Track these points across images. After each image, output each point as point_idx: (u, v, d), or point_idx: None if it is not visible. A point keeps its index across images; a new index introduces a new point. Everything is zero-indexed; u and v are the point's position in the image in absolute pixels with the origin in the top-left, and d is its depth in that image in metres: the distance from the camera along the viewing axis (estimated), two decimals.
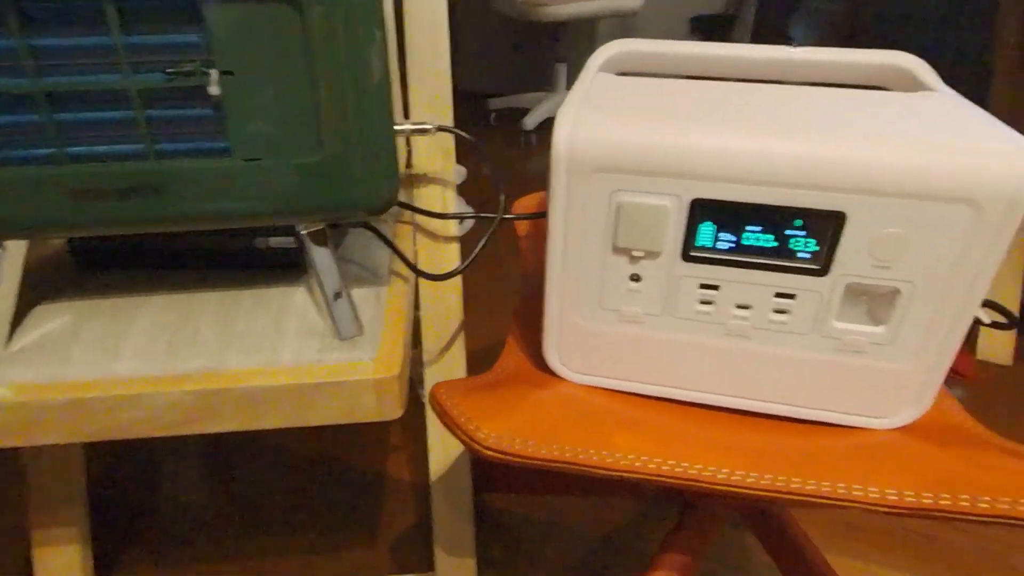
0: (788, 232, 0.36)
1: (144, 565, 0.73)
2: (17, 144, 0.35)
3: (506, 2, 1.88)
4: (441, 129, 0.54)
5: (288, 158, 0.37)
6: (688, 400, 0.43)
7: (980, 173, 0.32)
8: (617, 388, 0.44)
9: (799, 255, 0.37)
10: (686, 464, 0.37)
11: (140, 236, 0.47)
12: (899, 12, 2.20)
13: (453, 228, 0.61)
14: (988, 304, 0.46)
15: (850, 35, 2.40)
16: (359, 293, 0.46)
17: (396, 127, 0.48)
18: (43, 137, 0.35)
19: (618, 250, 0.39)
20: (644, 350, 0.42)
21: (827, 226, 0.35)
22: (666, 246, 0.38)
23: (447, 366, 0.60)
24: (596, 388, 0.44)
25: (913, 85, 0.44)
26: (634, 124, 0.36)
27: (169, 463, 0.88)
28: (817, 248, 0.36)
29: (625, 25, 2.76)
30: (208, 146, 0.36)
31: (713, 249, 0.38)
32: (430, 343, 0.60)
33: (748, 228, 0.37)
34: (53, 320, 0.42)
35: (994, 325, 0.46)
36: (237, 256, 0.47)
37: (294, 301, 0.44)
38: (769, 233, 0.36)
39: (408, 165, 0.54)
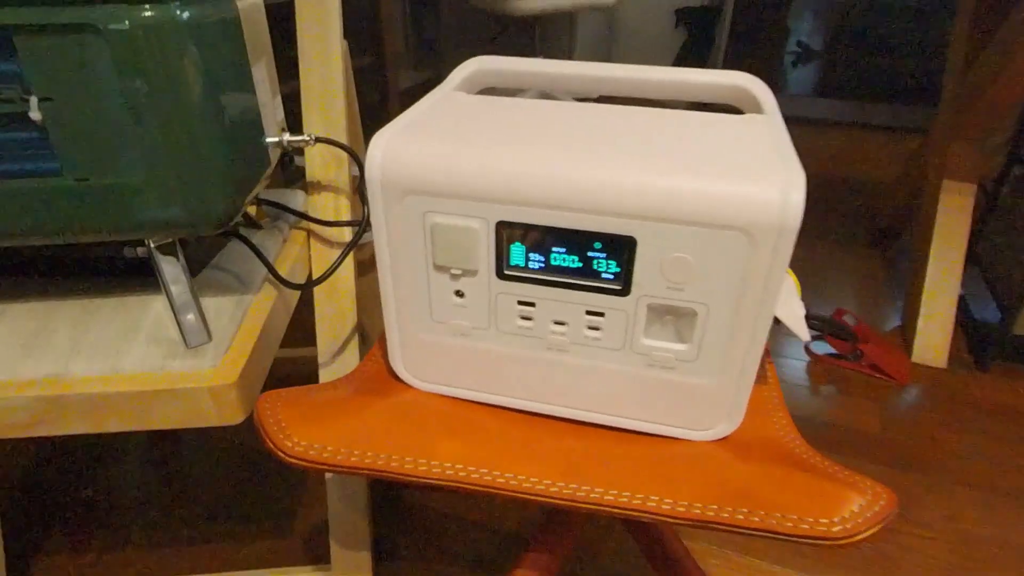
0: (591, 254, 0.37)
1: (63, 551, 0.76)
2: None
3: None
4: (320, 140, 0.56)
5: (115, 177, 0.39)
6: (521, 408, 0.45)
7: (750, 203, 0.33)
8: (459, 396, 0.46)
9: (603, 276, 0.38)
10: (496, 473, 0.39)
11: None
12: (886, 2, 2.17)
13: (347, 235, 0.62)
14: (833, 322, 0.47)
15: (840, 25, 2.38)
16: (220, 301, 0.48)
17: (270, 139, 0.50)
18: None
19: (438, 268, 0.40)
20: (476, 361, 0.44)
21: (622, 249, 0.37)
22: (481, 265, 0.39)
23: (340, 368, 0.62)
24: (441, 395, 0.46)
25: (753, 105, 0.45)
26: (442, 148, 0.37)
27: (107, 458, 0.91)
28: (618, 269, 0.37)
29: (608, 19, 2.74)
30: (38, 167, 0.38)
31: (525, 268, 0.39)
32: (324, 346, 0.62)
33: (554, 249, 0.38)
34: None
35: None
36: (100, 264, 0.49)
37: (152, 309, 0.46)
38: (574, 255, 0.38)
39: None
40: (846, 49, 2.31)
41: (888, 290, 1.29)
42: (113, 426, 0.42)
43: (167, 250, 0.44)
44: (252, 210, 0.62)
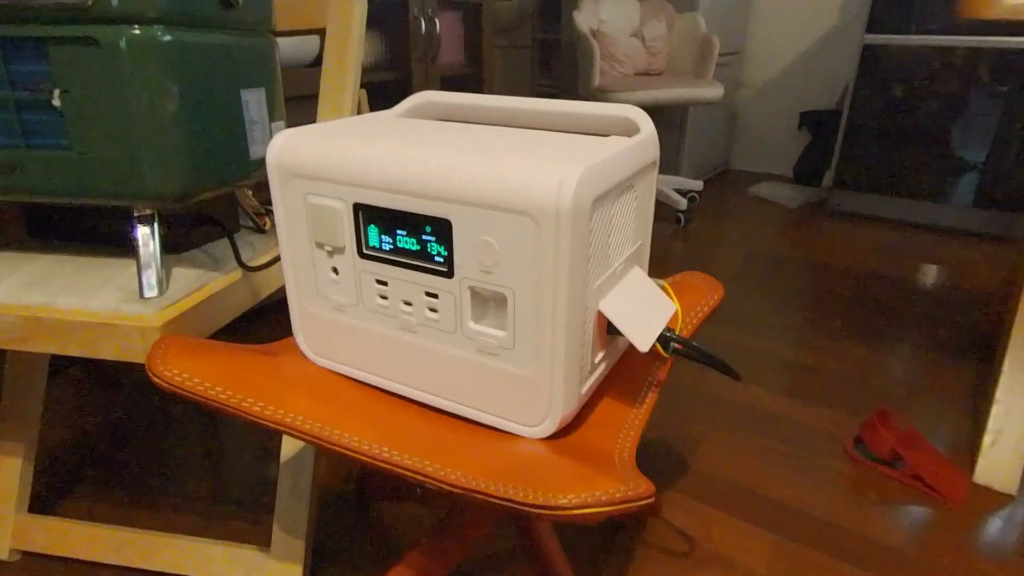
0: (424, 237, 0.42)
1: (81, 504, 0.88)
2: None
3: (583, 86, 2.02)
4: None
5: (108, 153, 0.51)
6: (386, 389, 0.49)
7: (530, 188, 0.37)
8: (339, 371, 0.51)
9: (435, 258, 0.43)
10: (327, 428, 0.43)
11: (69, 218, 0.64)
12: None
13: None
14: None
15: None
16: (188, 272, 0.58)
17: (257, 152, 0.61)
18: None
19: (318, 245, 0.47)
20: (350, 336, 0.49)
21: (444, 232, 0.41)
22: (347, 243, 0.46)
23: None
24: (324, 369, 0.52)
25: (633, 132, 0.49)
26: (322, 142, 0.45)
27: (119, 432, 1.05)
28: (445, 253, 0.42)
29: (728, 116, 2.77)
30: (55, 142, 0.52)
31: (379, 249, 0.45)
32: None
33: (398, 232, 0.43)
34: None
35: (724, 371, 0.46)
36: (114, 235, 0.62)
37: (134, 269, 0.58)
38: (412, 237, 0.43)
39: None
40: (1006, 160, 2.12)
41: (971, 407, 1.13)
42: (72, 349, 0.53)
43: (145, 220, 0.55)
44: (267, 222, 0.74)
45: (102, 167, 0.51)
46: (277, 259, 0.64)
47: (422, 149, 0.42)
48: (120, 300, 0.53)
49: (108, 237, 0.64)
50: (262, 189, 0.75)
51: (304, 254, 0.48)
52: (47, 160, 0.52)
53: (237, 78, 0.58)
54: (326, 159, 0.44)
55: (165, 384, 0.44)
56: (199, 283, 0.58)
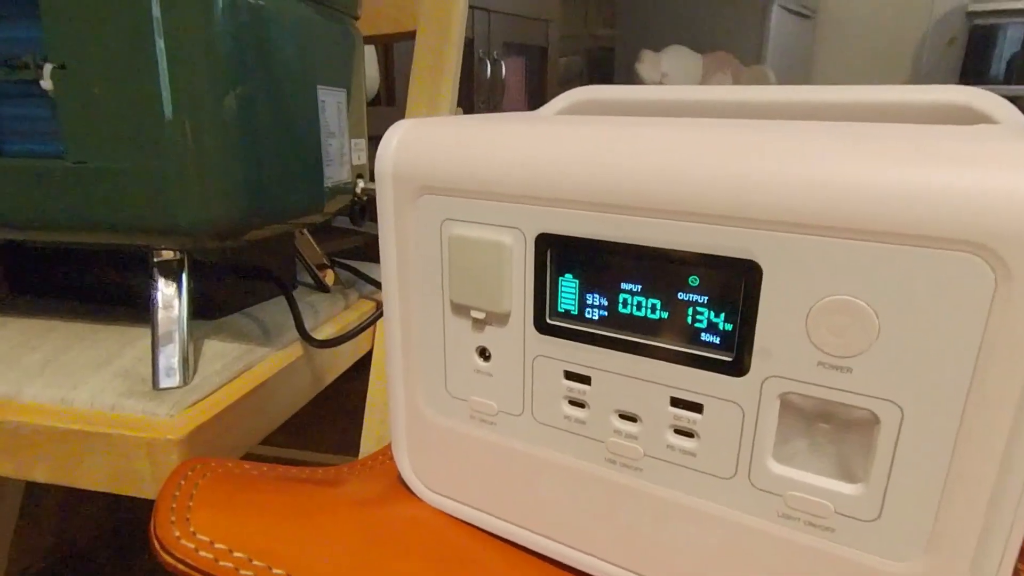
0: (683, 295, 0.22)
1: None
2: None
3: None
4: None
5: (114, 162, 0.33)
6: (563, 559, 0.28)
7: (995, 200, 0.17)
8: (475, 523, 0.30)
9: (702, 336, 0.22)
10: None
11: (60, 266, 0.46)
12: None
13: None
14: None
15: None
16: (226, 347, 0.39)
17: (333, 177, 0.43)
18: None
19: (457, 309, 0.27)
20: (501, 468, 0.28)
21: (736, 286, 0.21)
22: (514, 306, 0.26)
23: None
24: (451, 519, 0.31)
25: (975, 121, 0.29)
26: (470, 131, 0.26)
27: None
28: (729, 326, 0.22)
29: None
30: (42, 148, 0.34)
31: (579, 318, 0.25)
32: (369, 443, 0.50)
33: (624, 287, 0.23)
34: None
35: None
36: (119, 291, 0.43)
37: (146, 341, 0.38)
38: (655, 296, 0.23)
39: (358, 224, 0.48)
40: None
41: None
42: (40, 475, 0.33)
43: (168, 269, 0.36)
44: (330, 276, 0.55)
45: (110, 184, 0.33)
46: (358, 330, 0.44)
47: (684, 137, 0.22)
48: (120, 392, 0.34)
49: (116, 292, 0.45)
50: (326, 234, 0.57)
51: (428, 324, 0.29)
52: (27, 173, 0.34)
53: (314, 70, 0.40)
54: (486, 160, 0.25)
55: (182, 565, 0.24)
56: (242, 365, 0.38)
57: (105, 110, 0.32)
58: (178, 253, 0.36)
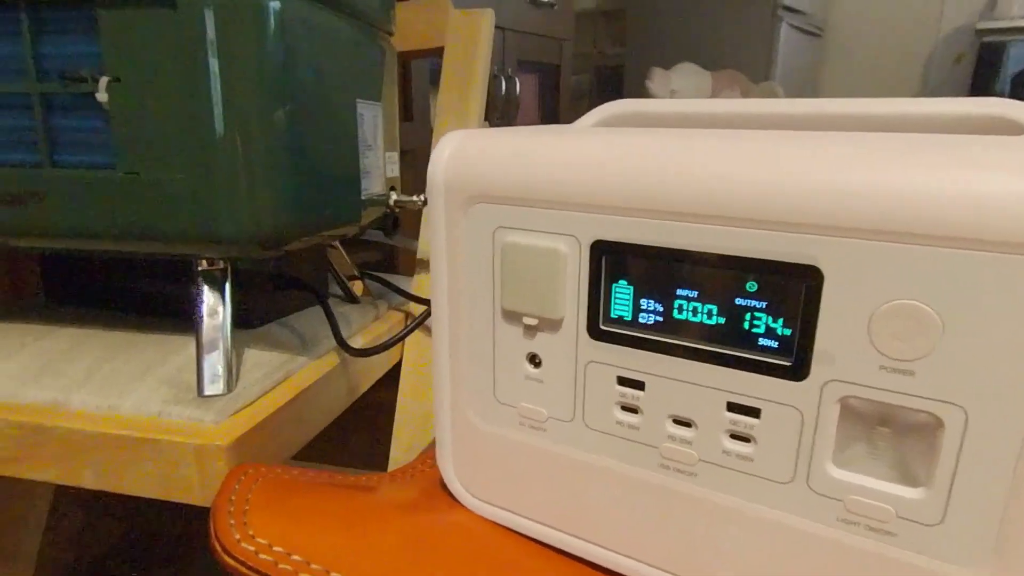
0: (740, 301, 0.23)
1: None
2: None
3: None
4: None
5: (165, 173, 0.33)
6: (612, 566, 0.28)
7: None
8: (521, 530, 0.30)
9: (760, 342, 0.23)
10: None
11: (99, 275, 0.47)
12: None
13: None
14: None
15: None
16: (266, 356, 0.39)
17: (368, 189, 0.44)
18: None
19: (508, 315, 0.28)
20: (551, 475, 0.29)
21: (795, 291, 0.21)
22: (567, 313, 0.26)
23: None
24: (498, 527, 0.31)
25: (1012, 131, 0.29)
26: (530, 143, 0.27)
27: None
28: (787, 331, 0.22)
29: None
30: (93, 159, 0.35)
31: (633, 324, 0.25)
32: (399, 454, 0.50)
33: (680, 293, 0.24)
34: None
35: None
36: (160, 302, 0.44)
37: (188, 350, 0.39)
38: (711, 302, 0.23)
39: (389, 235, 0.48)
40: None
41: None
42: (87, 481, 0.33)
43: (212, 279, 0.37)
44: (358, 287, 0.55)
45: (159, 195, 0.34)
46: (396, 340, 0.45)
47: (739, 145, 0.23)
48: (166, 399, 0.34)
49: (153, 302, 0.45)
50: (352, 246, 0.57)
51: (477, 332, 0.29)
52: (80, 184, 0.34)
53: (354, 85, 0.41)
54: (541, 170, 0.26)
55: (244, 567, 0.24)
56: (282, 373, 0.38)
57: (157, 123, 0.33)
58: (221, 263, 0.37)
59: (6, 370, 0.37)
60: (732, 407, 0.23)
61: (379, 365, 0.49)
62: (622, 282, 0.25)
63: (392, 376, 0.53)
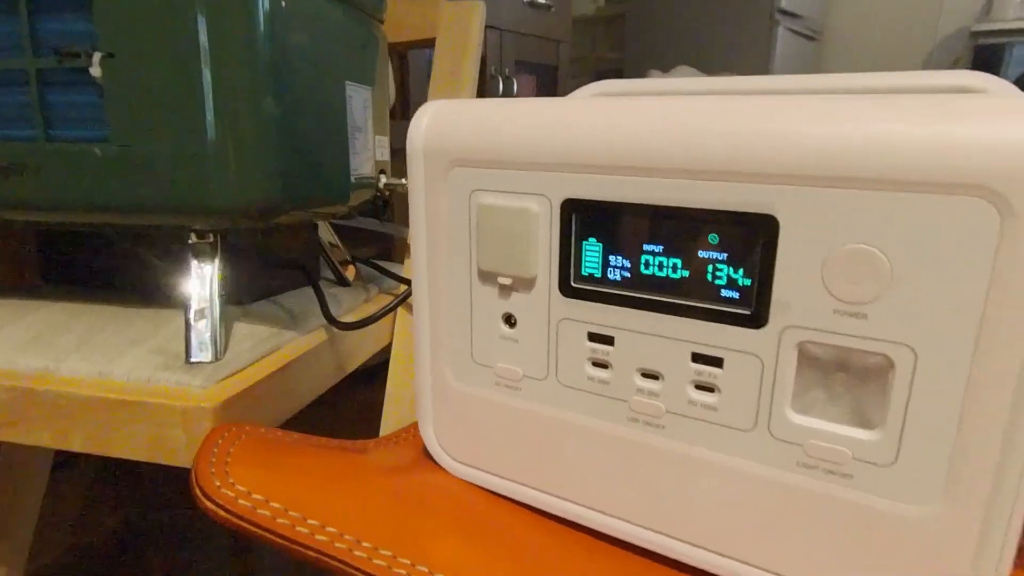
0: (703, 253, 0.24)
1: None
2: None
3: None
4: None
5: (158, 145, 0.34)
6: (586, 522, 0.29)
7: (1000, 142, 0.18)
8: (498, 490, 0.31)
9: (722, 293, 0.23)
10: None
11: (92, 253, 0.48)
12: None
13: None
14: None
15: None
16: (255, 329, 0.40)
17: (356, 171, 0.45)
18: None
19: (484, 275, 0.29)
20: (525, 432, 0.29)
21: (754, 241, 0.22)
22: (539, 272, 0.27)
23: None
24: (475, 488, 0.32)
25: None
26: (505, 110, 0.28)
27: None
28: (747, 281, 0.23)
29: None
30: (87, 133, 0.36)
31: (602, 280, 0.26)
32: (387, 432, 0.51)
33: (646, 248, 0.25)
34: None
35: None
36: (168, 279, 0.44)
37: (177, 322, 0.40)
38: (676, 256, 0.24)
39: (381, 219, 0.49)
40: None
41: None
42: (76, 444, 0.34)
43: (203, 251, 0.38)
44: (351, 272, 0.56)
45: (152, 167, 0.35)
46: (382, 314, 0.46)
47: (698, 103, 0.24)
48: (156, 366, 0.35)
49: (142, 279, 0.46)
50: (348, 237, 0.58)
51: (455, 294, 0.30)
52: (74, 156, 0.35)
53: (342, 67, 0.42)
54: (513, 133, 0.27)
55: (223, 511, 0.25)
56: (270, 346, 0.39)
57: (150, 97, 0.34)
58: (211, 236, 0.38)
59: (5, 340, 0.38)
60: (696, 358, 0.24)
61: (368, 345, 0.50)
62: (591, 240, 0.26)
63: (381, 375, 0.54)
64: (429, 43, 0.61)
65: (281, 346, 0.40)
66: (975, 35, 2.30)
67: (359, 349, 0.48)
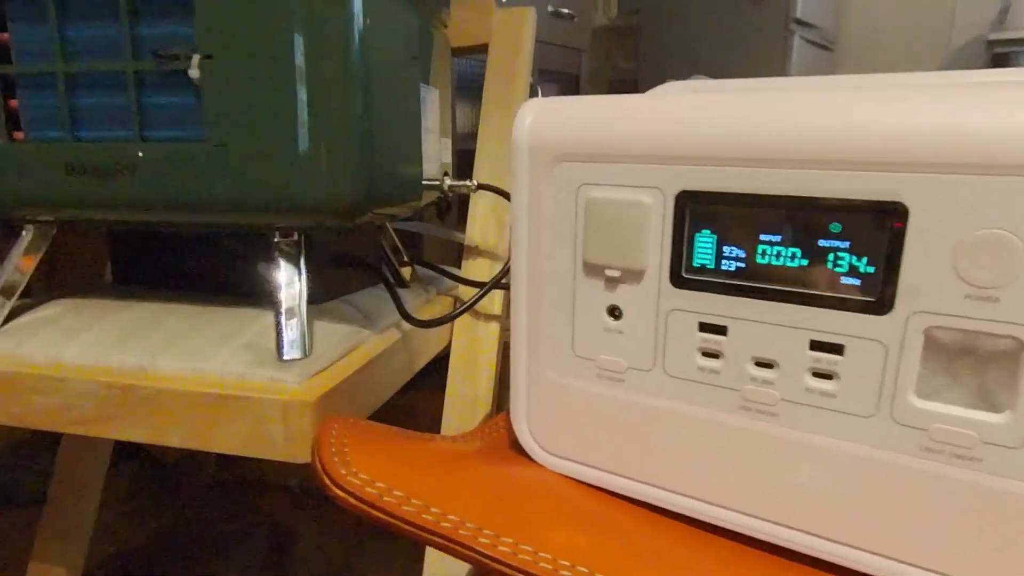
0: (823, 243, 0.24)
1: None
2: (38, 125, 0.38)
3: None
4: (483, 187, 0.50)
5: (254, 145, 0.35)
6: (692, 513, 0.29)
7: None
8: (596, 483, 0.31)
9: (843, 281, 0.24)
10: None
11: (167, 255, 0.48)
12: None
13: (497, 305, 0.54)
14: None
15: None
16: (335, 327, 0.41)
17: (427, 175, 0.46)
18: (57, 118, 0.38)
19: (590, 268, 0.29)
20: (629, 425, 0.30)
21: (880, 229, 0.23)
22: (648, 264, 0.28)
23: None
24: (573, 482, 0.32)
25: None
26: (612, 104, 0.28)
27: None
28: (870, 269, 0.23)
29: None
30: (185, 133, 0.36)
31: (716, 271, 0.26)
32: (448, 432, 0.51)
33: (763, 238, 0.25)
34: (52, 308, 0.43)
35: None
36: (244, 279, 0.45)
37: (262, 320, 0.41)
38: (795, 246, 0.25)
39: (441, 218, 0.50)
40: None
41: None
42: (174, 439, 0.35)
43: (289, 250, 0.38)
44: (406, 272, 0.57)
45: (247, 165, 0.35)
46: (461, 311, 0.46)
47: (819, 94, 0.24)
48: (249, 362, 0.36)
49: (218, 280, 0.47)
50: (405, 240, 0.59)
51: (557, 286, 0.30)
52: (170, 156, 0.36)
53: (418, 69, 0.43)
54: (624, 128, 0.27)
55: (353, 498, 0.25)
56: (351, 343, 0.40)
57: (246, 97, 0.35)
58: (296, 235, 0.39)
59: (89, 338, 0.39)
60: (815, 345, 0.25)
61: (433, 344, 0.50)
62: (705, 231, 0.26)
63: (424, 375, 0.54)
64: (481, 49, 0.62)
65: (361, 343, 0.41)
66: (992, 44, 2.31)
67: (427, 348, 0.49)
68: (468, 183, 0.49)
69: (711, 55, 2.50)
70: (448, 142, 0.51)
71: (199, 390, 0.34)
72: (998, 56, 2.28)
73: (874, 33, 2.73)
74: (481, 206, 0.55)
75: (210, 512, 0.91)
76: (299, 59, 0.34)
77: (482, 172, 0.54)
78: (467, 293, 0.55)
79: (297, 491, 0.95)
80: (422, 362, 0.48)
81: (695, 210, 0.26)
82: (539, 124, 0.30)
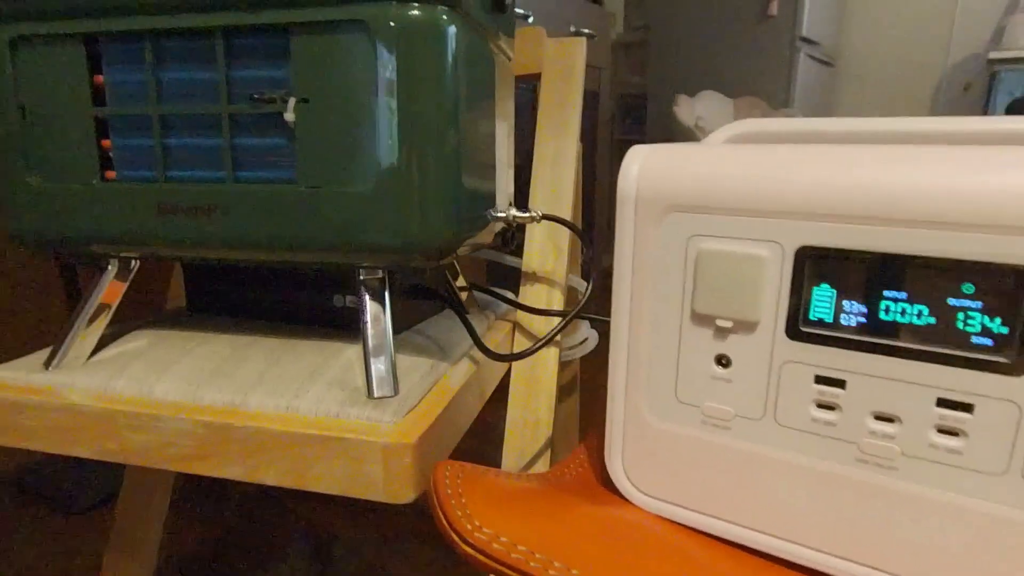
0: (953, 302, 0.25)
1: None
2: (130, 165, 0.38)
3: None
4: (547, 217, 0.51)
5: (347, 187, 0.35)
6: (797, 559, 0.29)
7: None
8: (699, 527, 0.32)
9: (973, 340, 0.24)
10: None
11: (243, 288, 0.49)
12: None
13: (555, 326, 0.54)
14: None
15: None
16: (415, 360, 0.41)
17: (501, 213, 0.46)
18: (149, 159, 0.38)
19: (698, 318, 0.30)
20: (735, 472, 0.30)
21: (1016, 292, 0.23)
22: (763, 316, 0.28)
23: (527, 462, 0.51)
24: (668, 522, 0.32)
25: None
26: (722, 155, 0.29)
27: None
28: (1004, 329, 0.24)
29: None
30: (276, 174, 0.37)
31: (835, 325, 0.27)
32: (510, 460, 0.51)
33: (887, 295, 0.26)
34: (137, 340, 0.43)
35: None
36: (307, 311, 0.45)
37: (345, 355, 0.41)
38: (921, 303, 0.25)
39: (507, 248, 0.50)
40: None
41: None
42: (270, 477, 0.35)
43: (373, 287, 0.39)
44: (464, 296, 0.57)
45: (339, 208, 0.36)
46: (540, 345, 0.47)
47: (947, 154, 0.25)
48: (341, 401, 0.36)
49: (294, 313, 0.47)
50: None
51: (662, 334, 0.31)
52: (261, 198, 0.37)
53: (494, 104, 0.43)
54: (742, 179, 0.28)
55: (482, 555, 0.25)
56: (433, 377, 0.40)
57: (340, 140, 0.35)
58: (380, 272, 0.39)
59: (178, 372, 0.39)
60: (942, 402, 0.25)
61: (498, 373, 0.51)
62: (824, 285, 0.27)
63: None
64: (534, 78, 0.63)
65: (441, 376, 0.41)
66: (991, 63, 2.34)
67: (494, 376, 0.49)
68: (533, 213, 0.50)
69: (719, 70, 2.53)
70: (511, 172, 0.52)
71: (294, 430, 0.34)
72: (996, 75, 2.31)
73: (872, 50, 2.77)
74: (539, 233, 0.56)
75: (257, 519, 0.91)
76: (393, 102, 0.34)
77: (537, 199, 0.55)
78: (524, 319, 0.55)
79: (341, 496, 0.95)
80: (490, 391, 0.49)
81: (815, 264, 0.27)
82: (647, 173, 0.30)
